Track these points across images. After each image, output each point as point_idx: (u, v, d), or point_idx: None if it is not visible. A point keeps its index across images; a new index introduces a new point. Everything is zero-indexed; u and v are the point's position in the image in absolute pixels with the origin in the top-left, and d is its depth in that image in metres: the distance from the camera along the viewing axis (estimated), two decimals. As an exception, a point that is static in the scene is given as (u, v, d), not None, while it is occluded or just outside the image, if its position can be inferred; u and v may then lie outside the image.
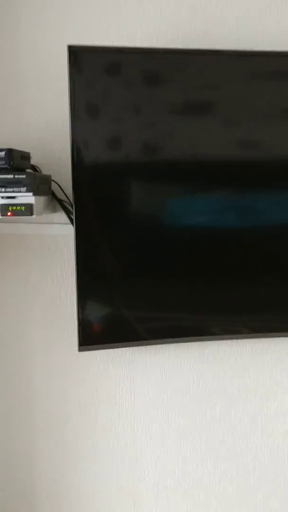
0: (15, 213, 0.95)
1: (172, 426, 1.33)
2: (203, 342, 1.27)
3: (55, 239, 1.24)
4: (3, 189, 0.93)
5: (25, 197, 0.95)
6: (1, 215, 0.95)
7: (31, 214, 0.95)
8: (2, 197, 0.94)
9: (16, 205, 0.94)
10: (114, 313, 1.15)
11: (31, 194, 0.94)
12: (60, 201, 1.18)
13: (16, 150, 0.95)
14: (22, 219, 1.21)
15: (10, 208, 0.95)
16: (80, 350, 1.14)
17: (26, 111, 1.19)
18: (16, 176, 0.93)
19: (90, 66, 1.02)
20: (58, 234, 1.23)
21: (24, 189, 0.93)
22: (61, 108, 1.18)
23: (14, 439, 1.33)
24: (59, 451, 1.33)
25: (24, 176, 0.93)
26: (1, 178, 0.93)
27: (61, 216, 1.22)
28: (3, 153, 0.92)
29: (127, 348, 1.26)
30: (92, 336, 1.15)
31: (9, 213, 0.95)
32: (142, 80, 1.05)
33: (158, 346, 1.27)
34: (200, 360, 1.30)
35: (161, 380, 1.31)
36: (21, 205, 0.95)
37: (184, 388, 1.31)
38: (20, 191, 0.93)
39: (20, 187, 0.93)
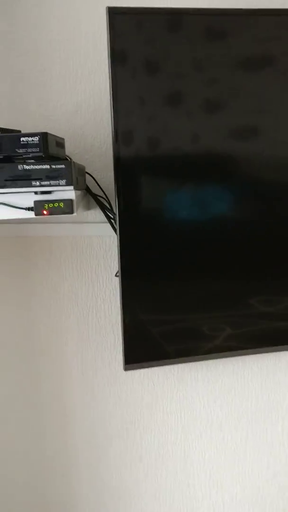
0: (52, 211, 0.78)
1: (229, 448, 1.17)
2: (262, 354, 1.10)
3: (89, 240, 1.07)
4: (37, 183, 0.76)
5: (64, 192, 0.78)
6: (35, 215, 0.78)
7: (72, 212, 0.78)
8: (36, 193, 0.77)
9: (53, 201, 0.77)
10: (166, 326, 0.98)
11: (71, 188, 0.77)
12: (95, 196, 1.01)
13: (51, 135, 0.78)
14: (50, 218, 1.05)
15: (46, 206, 0.78)
16: (126, 369, 0.98)
17: (53, 92, 1.02)
18: (54, 166, 0.76)
19: (135, 31, 0.84)
20: (93, 235, 1.07)
21: (63, 181, 0.76)
22: (93, 88, 1.01)
23: (51, 467, 1.17)
24: (100, 480, 1.17)
25: (63, 166, 0.76)
26: (35, 169, 0.76)
27: (96, 213, 1.06)
28: (36, 138, 0.75)
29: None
30: (140, 353, 0.98)
31: (45, 212, 0.78)
32: (203, 45, 0.87)
33: (211, 361, 1.11)
34: (259, 373, 1.14)
35: (214, 398, 1.14)
36: (59, 201, 0.78)
37: (241, 406, 1.15)
38: (58, 184, 0.76)
39: (58, 179, 0.76)
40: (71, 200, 0.78)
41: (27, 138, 0.75)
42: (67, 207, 0.78)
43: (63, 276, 1.09)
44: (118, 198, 0.90)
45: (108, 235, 1.06)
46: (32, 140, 0.76)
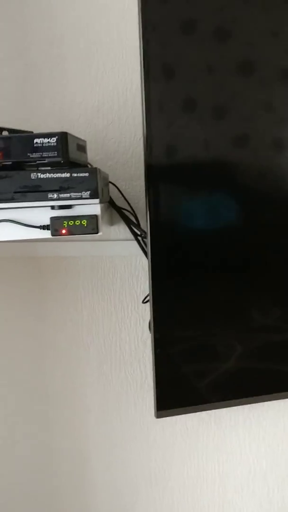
0: (72, 231, 0.63)
1: (275, 504, 1.00)
2: None
3: (111, 261, 0.92)
4: (54, 195, 0.61)
5: (88, 206, 0.63)
6: (52, 234, 0.63)
7: (97, 231, 0.63)
8: (53, 207, 0.62)
9: (74, 218, 0.62)
10: (205, 363, 0.82)
11: (97, 201, 0.62)
12: (119, 210, 0.86)
13: (71, 136, 0.63)
14: (69, 236, 0.90)
15: (65, 224, 0.63)
16: (158, 416, 0.82)
17: (70, 87, 0.87)
18: (75, 175, 0.61)
19: (176, 10, 0.69)
20: (116, 254, 0.91)
21: (87, 193, 0.61)
22: (117, 82, 0.86)
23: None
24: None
25: (86, 174, 0.61)
26: (52, 178, 0.61)
27: (120, 229, 0.90)
28: (53, 140, 0.60)
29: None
30: (174, 396, 0.82)
31: (63, 231, 0.63)
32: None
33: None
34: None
35: (258, 444, 0.98)
36: (81, 217, 0.62)
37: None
38: (81, 197, 0.61)
39: (81, 190, 0.61)
40: (96, 216, 0.63)
41: (42, 139, 0.61)
42: (91, 225, 0.63)
43: (81, 302, 0.94)
44: (149, 212, 0.75)
45: (134, 255, 0.91)
46: (49, 142, 0.61)
